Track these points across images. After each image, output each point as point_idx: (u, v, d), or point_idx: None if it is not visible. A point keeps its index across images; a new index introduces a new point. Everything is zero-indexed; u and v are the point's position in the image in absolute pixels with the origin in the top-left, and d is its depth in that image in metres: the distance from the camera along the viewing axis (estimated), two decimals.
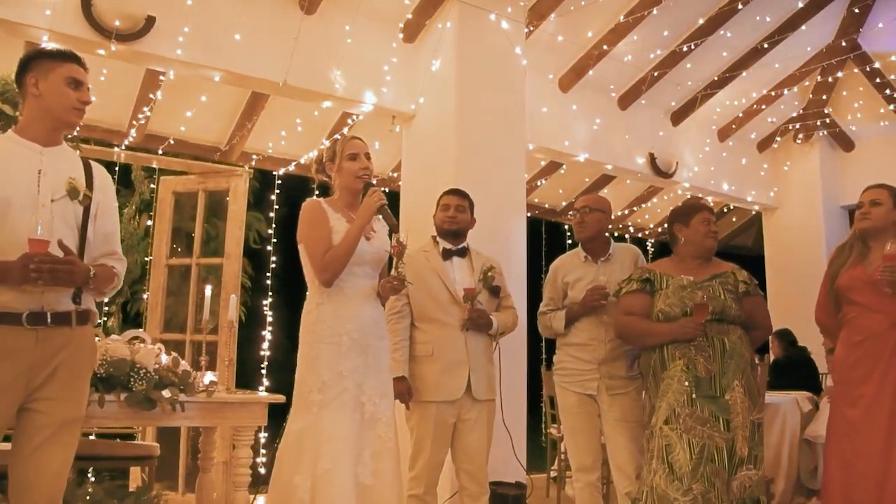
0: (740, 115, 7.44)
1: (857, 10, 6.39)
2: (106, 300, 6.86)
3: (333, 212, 3.17)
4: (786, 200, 8.16)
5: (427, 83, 5.44)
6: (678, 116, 7.23)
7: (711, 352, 3.34)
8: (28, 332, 2.30)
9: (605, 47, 6.04)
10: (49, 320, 2.33)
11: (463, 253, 3.87)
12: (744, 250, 10.12)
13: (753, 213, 8.79)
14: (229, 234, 5.31)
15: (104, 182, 2.62)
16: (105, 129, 6.12)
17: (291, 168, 6.83)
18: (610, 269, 3.91)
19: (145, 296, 6.07)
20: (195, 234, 5.48)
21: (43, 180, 2.40)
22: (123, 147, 6.21)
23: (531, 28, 5.62)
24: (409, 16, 5.39)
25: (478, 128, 5.22)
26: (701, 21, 6.12)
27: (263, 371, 6.76)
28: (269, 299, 6.85)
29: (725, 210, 8.92)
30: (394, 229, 3.19)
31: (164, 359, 3.36)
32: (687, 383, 3.33)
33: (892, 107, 7.10)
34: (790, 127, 7.70)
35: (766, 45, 6.43)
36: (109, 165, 6.57)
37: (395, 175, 7.00)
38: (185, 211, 6.17)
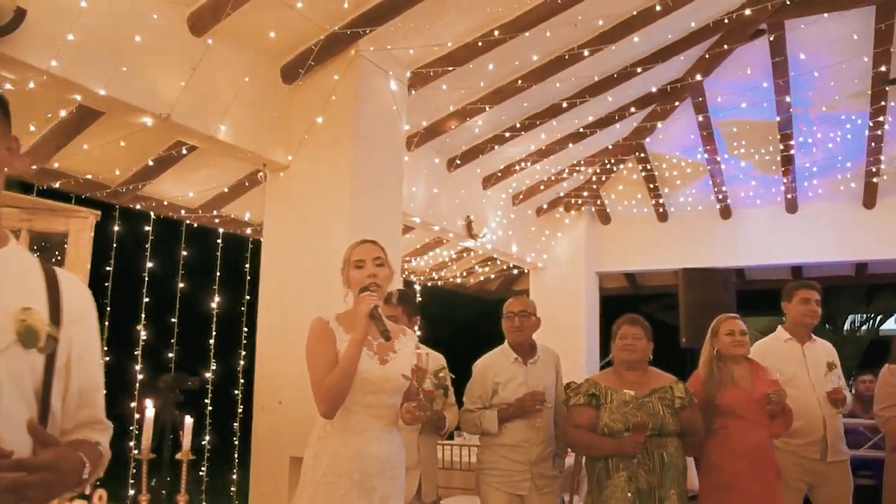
0: (537, 186, 8.17)
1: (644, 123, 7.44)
2: None
3: (344, 332, 2.79)
4: (553, 261, 9.14)
5: (310, 134, 5.10)
6: (487, 182, 7.71)
7: (651, 465, 3.72)
8: None
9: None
10: None
11: None
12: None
13: (520, 270, 9.71)
14: None
15: (80, 304, 1.61)
16: None
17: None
18: (539, 372, 4.12)
19: None
20: None
21: None
22: None
23: (412, 92, 5.58)
24: (301, 70, 4.99)
25: (362, 187, 5.03)
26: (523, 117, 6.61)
27: None
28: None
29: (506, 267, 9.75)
30: (384, 336, 2.70)
31: None
32: (630, 494, 3.69)
33: (655, 200, 8.40)
34: (572, 201, 8.65)
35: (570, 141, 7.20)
36: None
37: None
38: None
